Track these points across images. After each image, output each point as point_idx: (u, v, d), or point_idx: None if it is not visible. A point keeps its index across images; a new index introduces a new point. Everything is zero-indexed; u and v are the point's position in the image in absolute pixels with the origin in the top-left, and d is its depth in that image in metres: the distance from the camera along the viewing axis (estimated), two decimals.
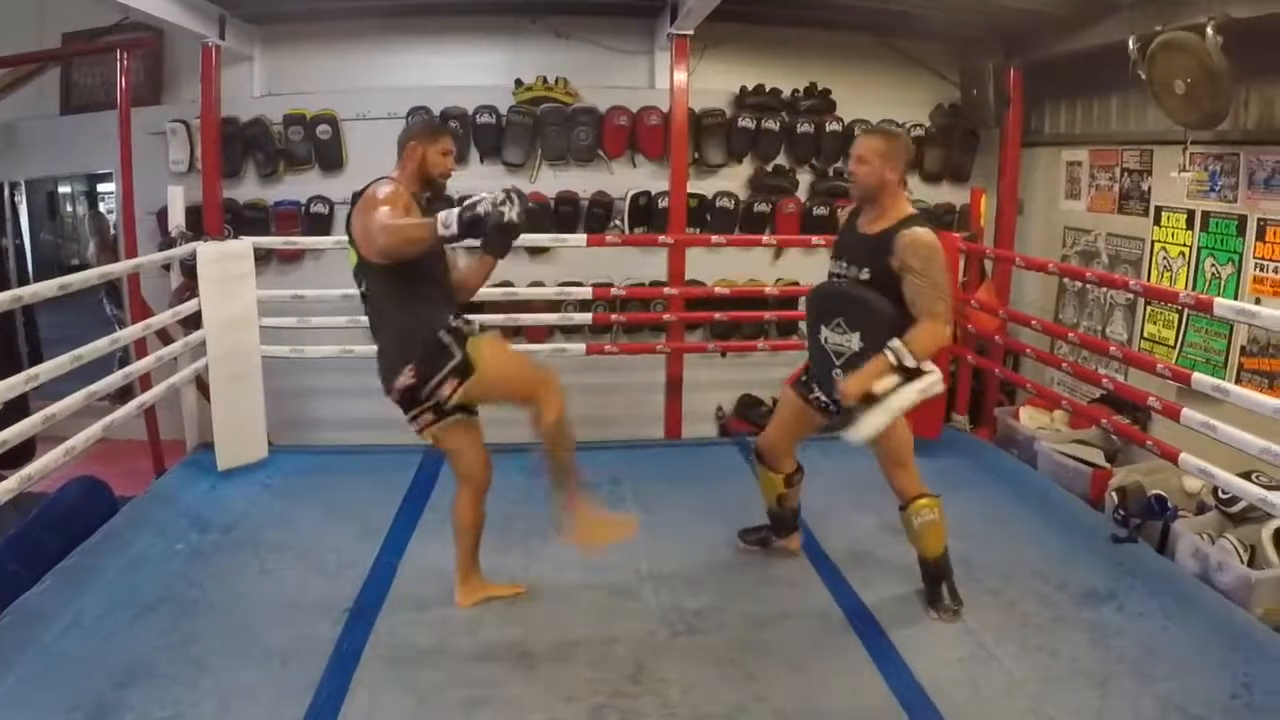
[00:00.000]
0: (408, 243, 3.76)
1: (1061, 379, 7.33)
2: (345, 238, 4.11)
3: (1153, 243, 6.56)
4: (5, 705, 3.59)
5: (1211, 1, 5.15)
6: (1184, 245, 6.25)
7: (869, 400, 3.95)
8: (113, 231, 9.54)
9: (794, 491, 4.84)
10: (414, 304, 4.03)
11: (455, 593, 4.34)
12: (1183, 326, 6.23)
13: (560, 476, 4.21)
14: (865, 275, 4.10)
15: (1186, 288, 6.09)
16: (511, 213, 3.65)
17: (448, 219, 3.64)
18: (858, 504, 5.47)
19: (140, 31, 7.61)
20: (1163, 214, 6.47)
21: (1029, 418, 6.98)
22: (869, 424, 3.97)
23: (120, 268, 6.29)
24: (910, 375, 3.95)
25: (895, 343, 3.92)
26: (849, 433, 4.04)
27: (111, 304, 8.91)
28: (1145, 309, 6.61)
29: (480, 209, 3.62)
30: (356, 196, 3.99)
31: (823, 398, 4.45)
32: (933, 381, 4.02)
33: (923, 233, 3.99)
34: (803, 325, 4.75)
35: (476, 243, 3.83)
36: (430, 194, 4.13)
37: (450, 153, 4.15)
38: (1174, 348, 6.28)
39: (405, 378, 3.99)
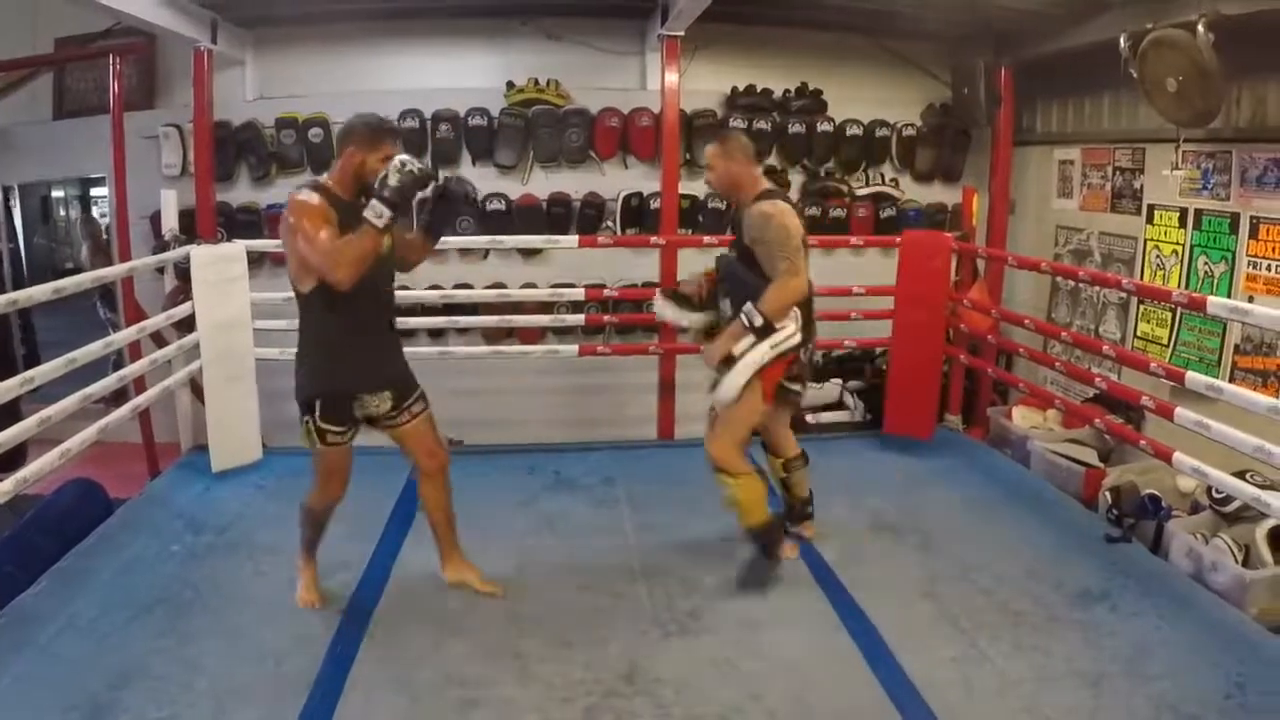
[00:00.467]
0: (363, 261, 3.73)
1: (1054, 378, 7.31)
2: None
3: (1145, 241, 6.56)
4: (2, 704, 3.60)
5: None
6: (1177, 243, 6.25)
7: (729, 363, 4.30)
8: (105, 235, 9.53)
9: (793, 479, 5.03)
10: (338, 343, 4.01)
11: None
12: (1176, 325, 6.23)
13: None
14: (733, 255, 4.57)
15: (1180, 286, 6.09)
16: (413, 166, 3.76)
17: (378, 211, 3.70)
18: (852, 503, 5.51)
19: (133, 36, 7.64)
20: (1155, 212, 6.46)
21: (1022, 417, 6.98)
22: (728, 384, 4.30)
23: (114, 271, 6.29)
24: (764, 335, 4.28)
25: (747, 306, 4.27)
26: (713, 395, 4.42)
27: (105, 307, 8.90)
28: (1138, 308, 6.61)
29: (392, 182, 3.71)
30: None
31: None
32: (784, 337, 4.33)
33: (761, 205, 4.38)
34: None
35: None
36: (365, 197, 3.82)
37: (391, 158, 3.83)
38: (1167, 346, 6.28)
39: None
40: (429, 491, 4.38)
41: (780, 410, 4.85)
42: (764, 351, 4.27)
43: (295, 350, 4.06)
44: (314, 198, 3.79)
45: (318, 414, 3.97)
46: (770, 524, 4.60)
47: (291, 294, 3.97)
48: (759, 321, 4.24)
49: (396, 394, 4.14)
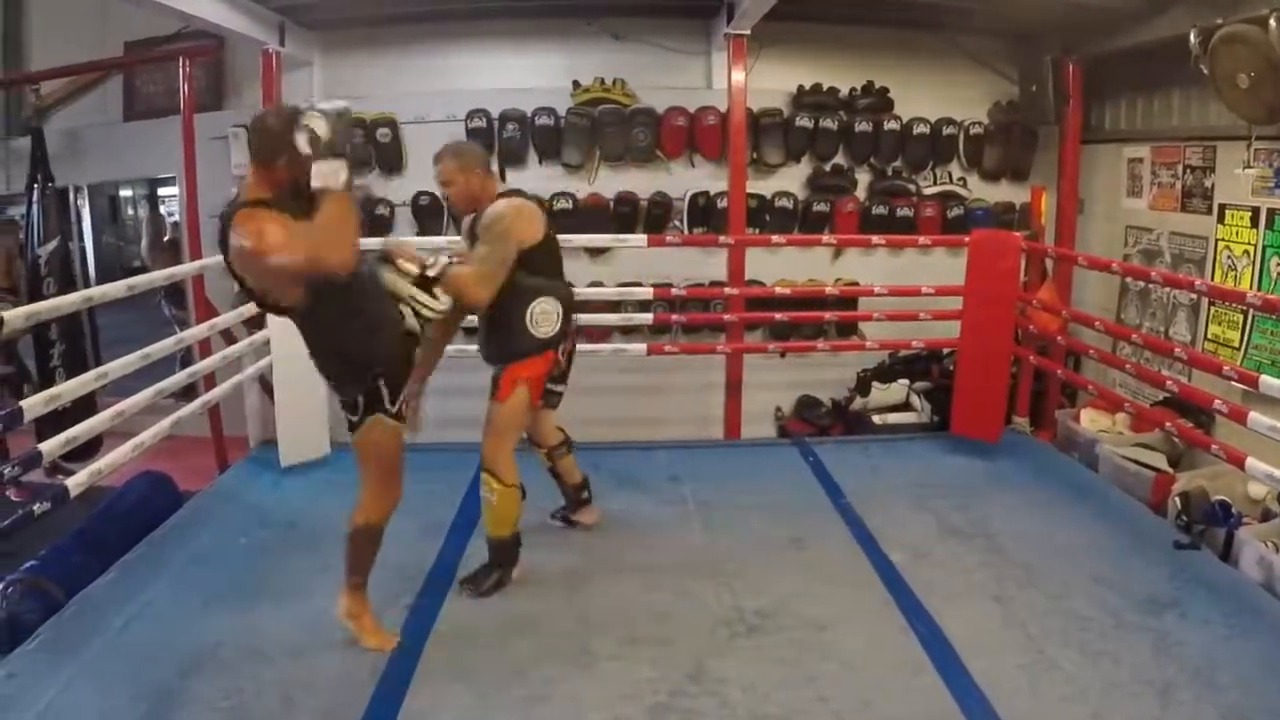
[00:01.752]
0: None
1: (1123, 380, 7.22)
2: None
3: (1216, 241, 6.47)
4: (72, 691, 3.69)
5: None
6: (1249, 244, 6.16)
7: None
8: (168, 233, 9.69)
9: (561, 466, 5.08)
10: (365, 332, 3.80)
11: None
12: (1248, 328, 6.15)
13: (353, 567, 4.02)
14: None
15: (1252, 288, 6.01)
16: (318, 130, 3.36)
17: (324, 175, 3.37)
18: (917, 504, 5.52)
19: (202, 39, 7.80)
20: (1227, 212, 6.37)
21: (1090, 420, 6.91)
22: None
23: (185, 269, 6.44)
24: (426, 285, 4.01)
25: (442, 259, 4.07)
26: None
27: (171, 305, 9.06)
28: (1209, 309, 6.52)
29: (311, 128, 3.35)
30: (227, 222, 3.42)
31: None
32: (427, 302, 4.00)
33: (497, 203, 4.35)
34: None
35: None
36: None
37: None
38: (1239, 349, 6.20)
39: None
40: None
41: (543, 409, 4.87)
42: (397, 282, 3.96)
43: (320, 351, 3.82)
44: (256, 210, 3.41)
45: (386, 391, 3.81)
46: (510, 543, 4.56)
47: None
48: (432, 274, 3.99)
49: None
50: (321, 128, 3.35)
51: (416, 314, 3.98)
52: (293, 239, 3.27)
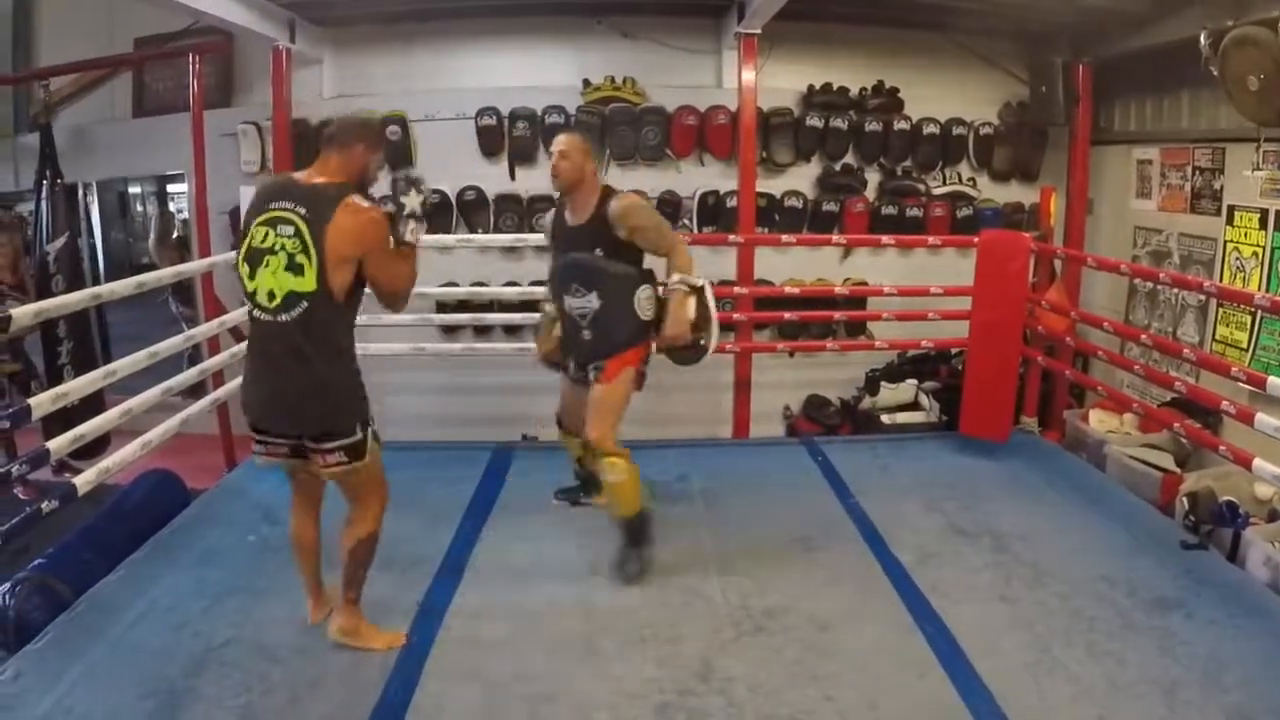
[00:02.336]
0: (411, 275, 3.83)
1: (1130, 381, 7.22)
2: (308, 257, 3.51)
3: (1225, 243, 6.48)
4: (80, 691, 3.70)
5: None
6: (1257, 246, 6.17)
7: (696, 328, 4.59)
8: (176, 231, 9.73)
9: (592, 454, 4.98)
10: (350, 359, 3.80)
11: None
12: (1256, 329, 6.15)
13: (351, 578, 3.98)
14: (600, 253, 4.57)
15: (1260, 289, 6.01)
16: (414, 203, 3.80)
17: (415, 233, 3.81)
18: (927, 505, 5.51)
19: (211, 36, 7.82)
20: (1236, 213, 6.39)
21: (1098, 421, 6.91)
22: (712, 336, 4.67)
23: (194, 266, 6.47)
24: (696, 291, 4.54)
25: (675, 276, 4.53)
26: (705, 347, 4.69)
27: (178, 302, 9.08)
28: (1217, 311, 6.53)
29: (414, 205, 3.80)
30: (320, 203, 3.54)
31: (572, 368, 4.91)
32: (708, 286, 4.61)
33: (624, 196, 4.60)
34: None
35: None
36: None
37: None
38: (1246, 350, 6.20)
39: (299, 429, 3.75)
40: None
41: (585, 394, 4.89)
42: (711, 298, 4.61)
43: (321, 364, 3.63)
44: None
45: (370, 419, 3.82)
46: (646, 517, 4.66)
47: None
48: (696, 283, 4.53)
49: None
50: (415, 200, 3.80)
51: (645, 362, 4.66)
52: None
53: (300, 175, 3.68)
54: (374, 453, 3.81)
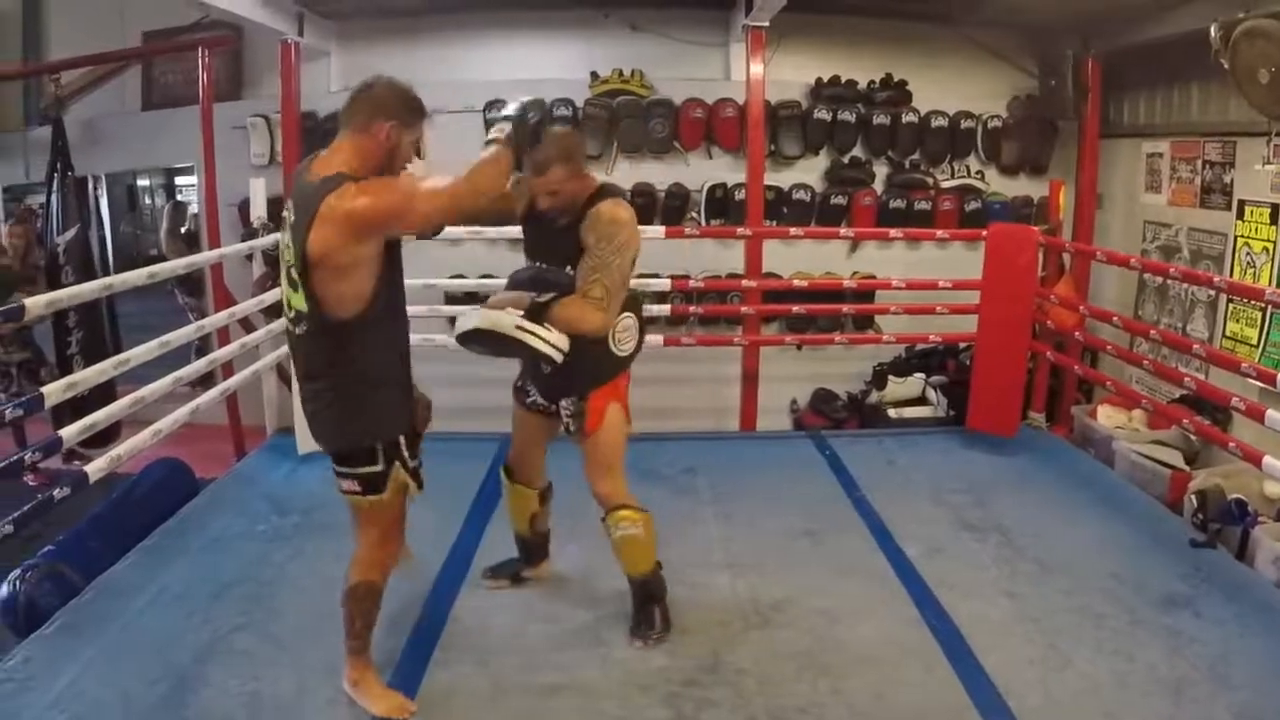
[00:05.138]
0: (499, 184, 3.45)
1: (1140, 377, 7.18)
2: (299, 275, 3.11)
3: (1235, 238, 6.45)
4: (89, 676, 3.73)
5: None
6: (1268, 240, 6.13)
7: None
8: (186, 224, 9.76)
9: (545, 510, 4.44)
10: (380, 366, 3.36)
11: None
12: (1266, 325, 6.13)
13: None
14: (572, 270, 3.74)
15: (1271, 285, 5.99)
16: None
17: (502, 129, 3.50)
18: (934, 499, 5.54)
19: (220, 29, 7.85)
20: (1246, 208, 6.34)
21: (1106, 416, 6.90)
22: (468, 320, 3.61)
23: (204, 258, 6.49)
24: (535, 315, 3.56)
25: (546, 297, 3.62)
26: (458, 325, 3.66)
27: (184, 292, 9.10)
28: (1227, 306, 6.50)
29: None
30: (308, 203, 3.04)
31: (538, 399, 4.12)
32: (551, 341, 3.52)
33: (615, 208, 3.73)
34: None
35: None
36: None
37: (420, 145, 3.41)
38: (1256, 347, 6.18)
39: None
40: None
41: (543, 431, 4.27)
42: (517, 325, 3.50)
43: (326, 393, 3.32)
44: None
45: (406, 452, 3.45)
46: (658, 572, 4.12)
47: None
48: (544, 299, 3.61)
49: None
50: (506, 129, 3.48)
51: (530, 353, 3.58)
52: (419, 183, 3.21)
53: (316, 161, 3.24)
54: (395, 492, 3.43)
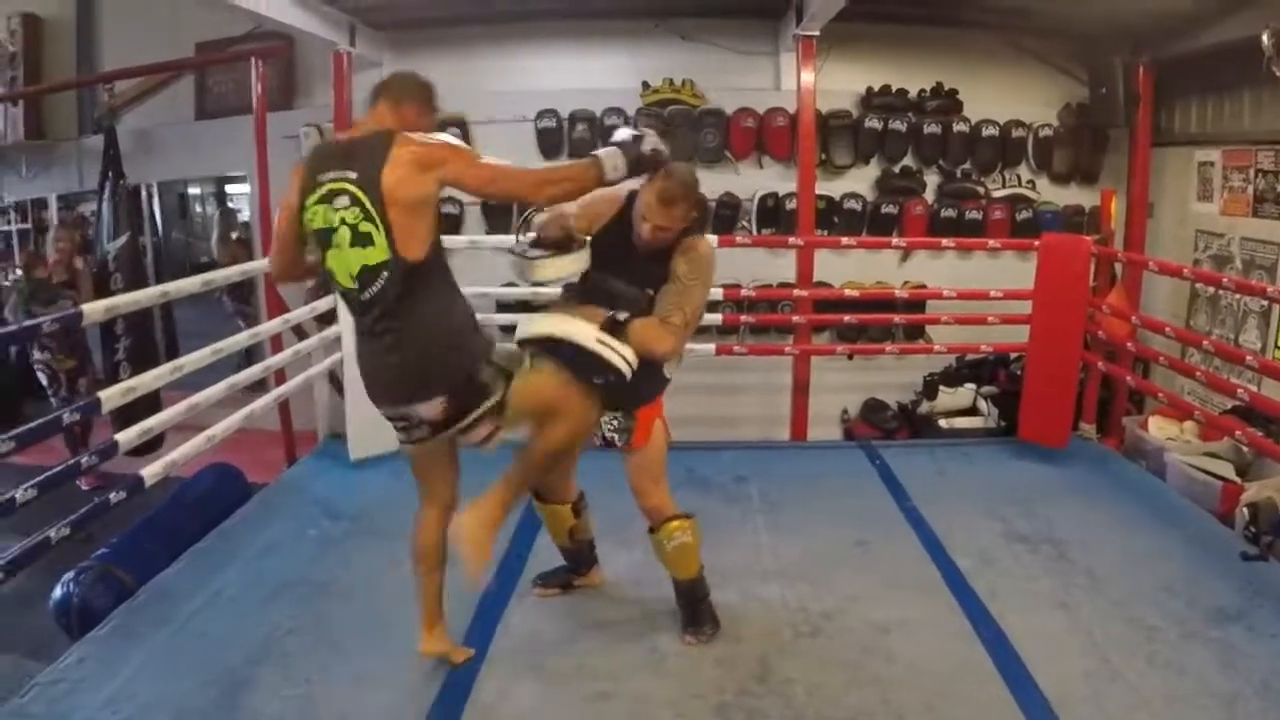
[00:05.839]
0: (572, 194, 3.48)
1: (1191, 388, 7.12)
2: (373, 223, 3.20)
3: None
4: (142, 677, 3.80)
5: None
6: None
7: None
8: (236, 231, 9.88)
9: (583, 521, 4.43)
10: (457, 315, 3.45)
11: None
12: None
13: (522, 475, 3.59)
14: (650, 293, 3.75)
15: None
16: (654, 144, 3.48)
17: (614, 163, 3.41)
18: (986, 510, 5.50)
19: (272, 40, 7.99)
20: None
21: (1158, 428, 6.85)
22: (539, 324, 3.63)
23: (257, 266, 6.57)
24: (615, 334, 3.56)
25: (624, 314, 3.61)
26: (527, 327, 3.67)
27: (233, 300, 9.22)
28: None
29: (645, 147, 3.46)
30: (370, 154, 3.22)
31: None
32: (627, 358, 3.50)
33: (703, 246, 3.79)
34: None
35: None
36: None
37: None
38: None
39: (432, 409, 3.42)
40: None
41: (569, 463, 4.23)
42: (593, 337, 3.48)
43: (420, 329, 3.34)
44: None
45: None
46: (703, 574, 4.15)
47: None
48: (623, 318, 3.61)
49: None
50: (651, 143, 3.49)
51: (600, 367, 3.51)
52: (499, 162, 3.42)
53: (343, 135, 3.50)
54: (521, 376, 3.48)
